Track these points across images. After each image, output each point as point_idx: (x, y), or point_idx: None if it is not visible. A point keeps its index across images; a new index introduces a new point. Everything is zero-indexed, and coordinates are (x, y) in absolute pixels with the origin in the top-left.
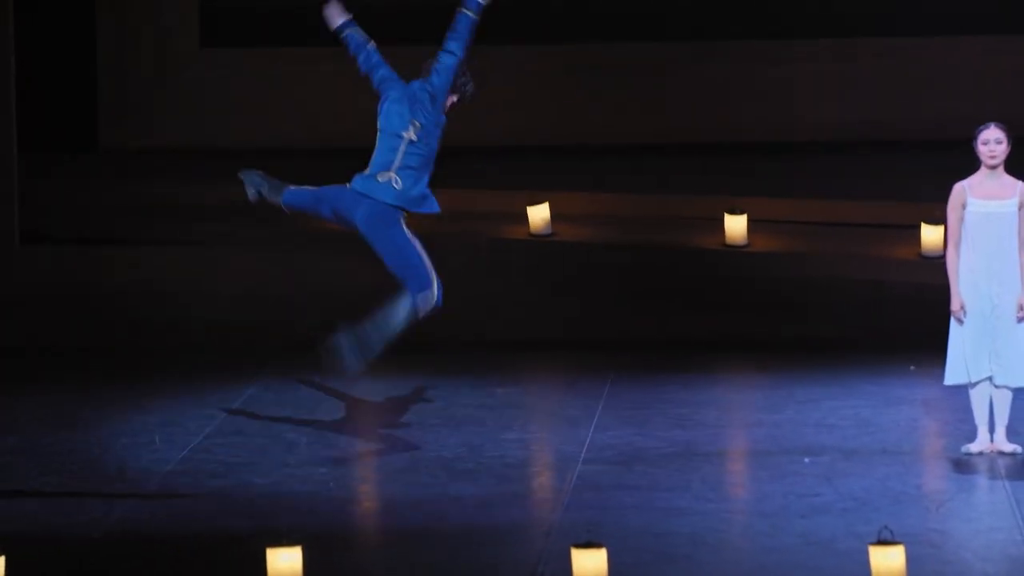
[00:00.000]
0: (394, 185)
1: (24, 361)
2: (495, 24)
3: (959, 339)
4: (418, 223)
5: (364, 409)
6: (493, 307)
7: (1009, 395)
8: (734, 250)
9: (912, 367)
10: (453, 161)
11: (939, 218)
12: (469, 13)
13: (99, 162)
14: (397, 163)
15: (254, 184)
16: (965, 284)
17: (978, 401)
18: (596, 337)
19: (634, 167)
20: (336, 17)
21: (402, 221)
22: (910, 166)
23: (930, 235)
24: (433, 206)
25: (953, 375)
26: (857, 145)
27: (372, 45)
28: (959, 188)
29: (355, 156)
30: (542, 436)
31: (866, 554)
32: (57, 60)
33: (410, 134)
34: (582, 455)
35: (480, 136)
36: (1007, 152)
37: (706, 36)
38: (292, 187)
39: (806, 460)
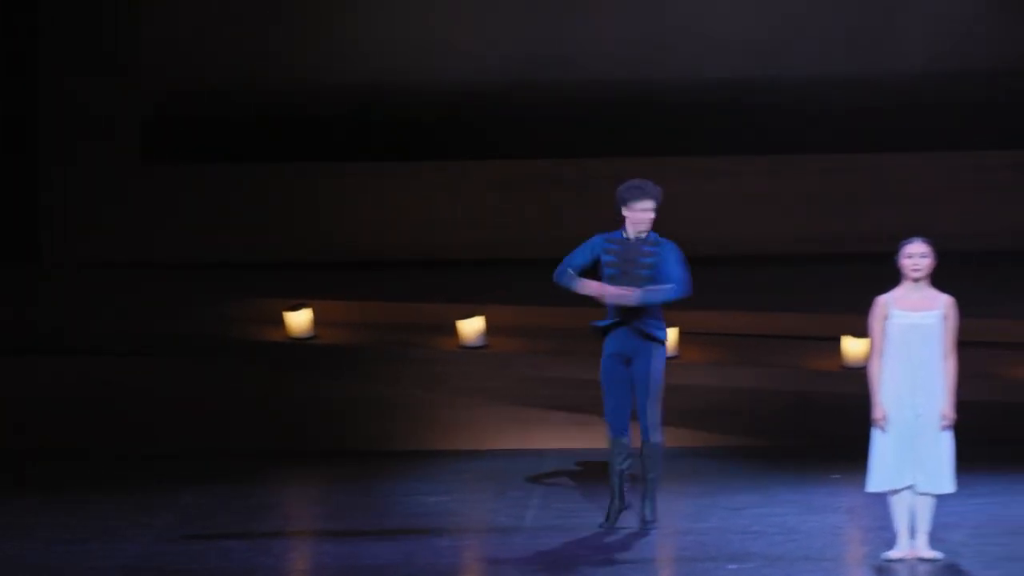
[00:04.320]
0: None
1: None
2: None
3: (882, 447)
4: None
5: (299, 517)
6: (429, 416)
7: (931, 502)
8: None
9: (835, 475)
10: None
11: (863, 331)
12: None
13: (42, 273)
14: None
15: None
16: (888, 393)
17: (899, 508)
18: (527, 446)
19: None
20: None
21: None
22: (833, 278)
23: (852, 346)
24: None
25: (876, 482)
26: (782, 258)
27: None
28: (882, 300)
29: (291, 269)
30: (474, 543)
31: None
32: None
33: None
34: (514, 560)
35: (416, 249)
36: (931, 266)
37: (642, 152)
38: None
39: (731, 567)
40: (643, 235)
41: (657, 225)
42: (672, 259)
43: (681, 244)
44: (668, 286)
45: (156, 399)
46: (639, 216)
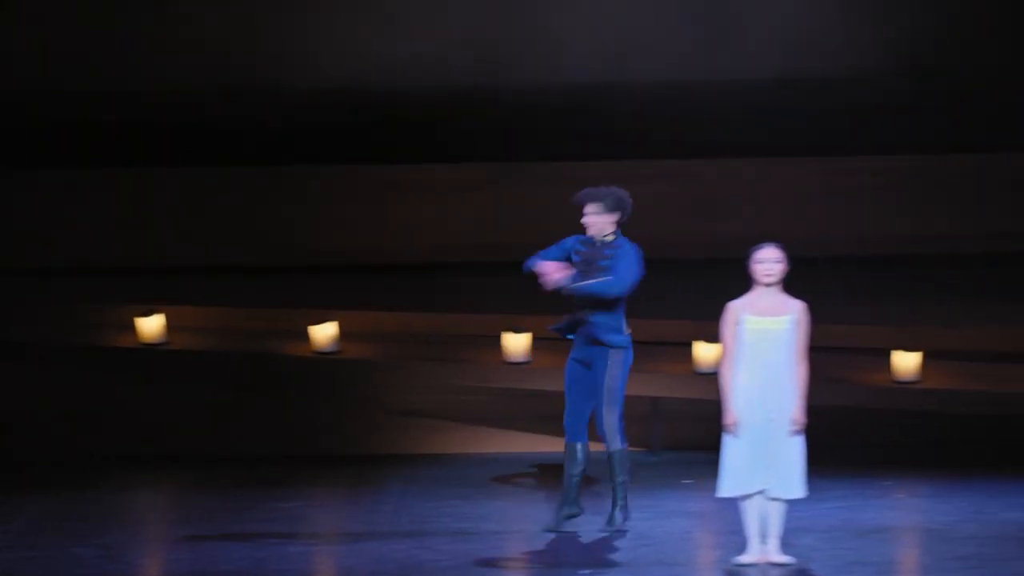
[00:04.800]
0: None
1: None
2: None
3: (733, 452)
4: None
5: (150, 524)
6: (277, 423)
7: (782, 507)
8: (515, 366)
9: (687, 480)
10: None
11: (715, 336)
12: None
13: None
14: None
15: None
16: (740, 399)
17: (751, 513)
18: (380, 452)
19: (422, 286)
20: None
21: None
22: (684, 284)
23: (704, 351)
24: None
25: (727, 487)
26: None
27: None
28: (733, 306)
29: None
30: (326, 550)
31: None
32: None
33: None
34: (364, 568)
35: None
36: (783, 271)
37: (494, 158)
38: None
39: (584, 572)
40: (608, 238)
41: (504, 231)
42: (625, 260)
43: (533, 250)
44: (600, 280)
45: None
46: (585, 220)
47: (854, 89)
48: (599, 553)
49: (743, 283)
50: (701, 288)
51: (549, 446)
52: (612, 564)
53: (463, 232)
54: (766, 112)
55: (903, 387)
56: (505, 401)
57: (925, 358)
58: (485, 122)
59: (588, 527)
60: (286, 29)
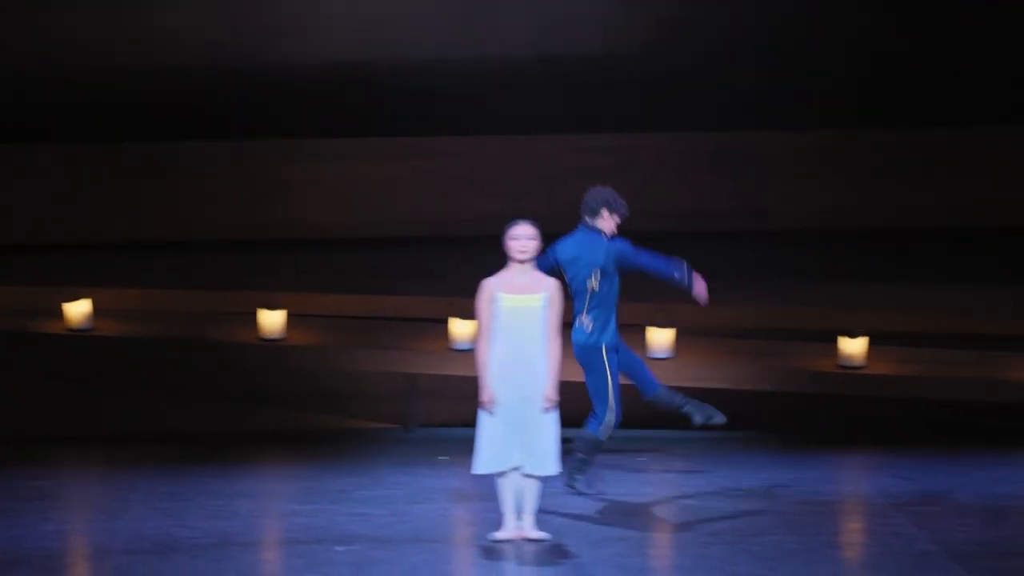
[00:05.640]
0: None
1: None
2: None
3: (489, 429)
4: None
5: None
6: (31, 402)
7: (537, 484)
8: (271, 344)
9: (443, 457)
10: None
11: (470, 313)
12: (670, 274)
13: None
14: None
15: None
16: (495, 376)
17: (506, 490)
18: (134, 429)
19: (170, 264)
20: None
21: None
22: (441, 261)
23: (460, 328)
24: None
25: (483, 465)
26: (397, 240)
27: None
28: (488, 283)
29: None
30: (80, 528)
31: None
32: None
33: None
34: (120, 546)
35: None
36: (537, 249)
37: (243, 136)
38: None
39: (339, 549)
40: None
41: (276, 209)
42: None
43: (298, 228)
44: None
45: None
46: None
47: (611, 67)
48: (355, 530)
49: (499, 260)
50: (462, 264)
51: (314, 423)
52: (369, 540)
53: (221, 209)
54: (525, 89)
55: (659, 362)
56: (258, 379)
57: (678, 335)
58: (246, 98)
59: (347, 504)
60: None
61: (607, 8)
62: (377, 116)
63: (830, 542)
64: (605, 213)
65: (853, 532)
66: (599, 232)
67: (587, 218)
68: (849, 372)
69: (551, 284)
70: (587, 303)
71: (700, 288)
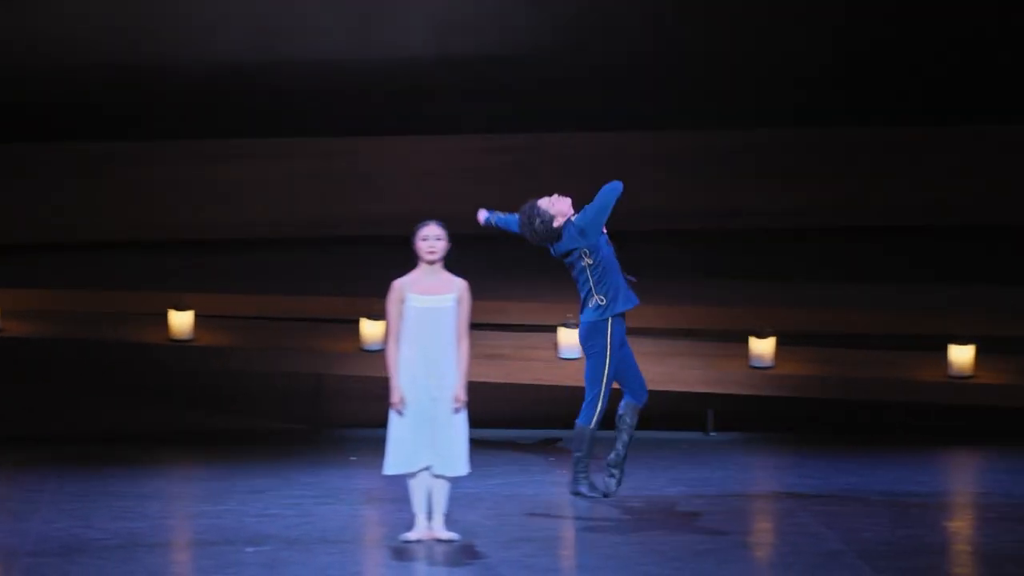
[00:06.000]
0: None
1: None
2: None
3: (399, 430)
4: None
5: None
6: None
7: (446, 485)
8: (179, 344)
9: (353, 457)
10: None
11: (380, 313)
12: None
13: None
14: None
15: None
16: (405, 377)
17: (417, 490)
18: (41, 430)
19: (79, 263)
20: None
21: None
22: (350, 262)
23: (369, 329)
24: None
25: (393, 465)
26: (298, 242)
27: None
28: (398, 284)
29: None
30: None
31: None
32: None
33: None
34: (27, 548)
35: None
36: (446, 249)
37: (149, 136)
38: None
39: (249, 550)
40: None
41: (182, 210)
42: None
43: (191, 228)
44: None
45: None
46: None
47: (511, 67)
48: (265, 530)
49: (409, 261)
50: (371, 265)
51: (222, 423)
52: (278, 541)
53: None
54: (426, 89)
55: (567, 363)
56: (167, 380)
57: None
58: (144, 98)
59: (256, 504)
60: None
61: (507, 9)
62: (278, 118)
63: (739, 542)
64: (542, 210)
65: (762, 531)
66: (564, 224)
67: (549, 228)
68: (758, 371)
69: (460, 285)
70: (591, 281)
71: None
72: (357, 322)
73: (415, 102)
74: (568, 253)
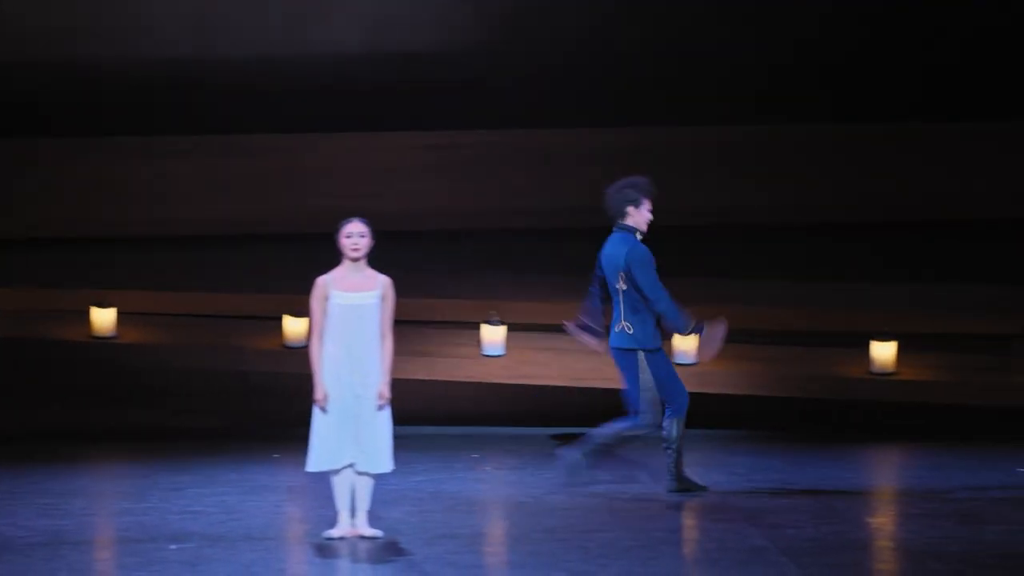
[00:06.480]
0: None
1: None
2: None
3: (322, 427)
4: None
5: None
6: None
7: (370, 482)
8: (102, 341)
9: (276, 455)
10: None
11: (304, 310)
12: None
13: None
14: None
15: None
16: (329, 374)
17: (340, 487)
18: None
19: (1, 261)
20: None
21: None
22: (273, 259)
23: (293, 326)
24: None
25: (316, 462)
26: (221, 239)
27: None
28: (322, 281)
29: None
30: None
31: None
32: None
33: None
34: None
35: None
36: (370, 246)
37: (76, 132)
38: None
39: (172, 547)
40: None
41: (106, 207)
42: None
43: (126, 226)
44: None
45: None
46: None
47: (441, 64)
48: (188, 528)
49: (333, 258)
50: (295, 261)
51: (145, 420)
52: (202, 538)
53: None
54: (359, 87)
55: (491, 359)
56: (89, 377)
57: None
58: (78, 96)
59: (179, 501)
60: None
61: (443, 6)
62: (206, 114)
63: (664, 538)
64: (631, 209)
65: (687, 528)
66: (630, 231)
67: (620, 204)
68: (682, 367)
69: (384, 282)
70: (621, 307)
71: (708, 349)
72: (280, 319)
73: (347, 100)
74: (610, 262)
